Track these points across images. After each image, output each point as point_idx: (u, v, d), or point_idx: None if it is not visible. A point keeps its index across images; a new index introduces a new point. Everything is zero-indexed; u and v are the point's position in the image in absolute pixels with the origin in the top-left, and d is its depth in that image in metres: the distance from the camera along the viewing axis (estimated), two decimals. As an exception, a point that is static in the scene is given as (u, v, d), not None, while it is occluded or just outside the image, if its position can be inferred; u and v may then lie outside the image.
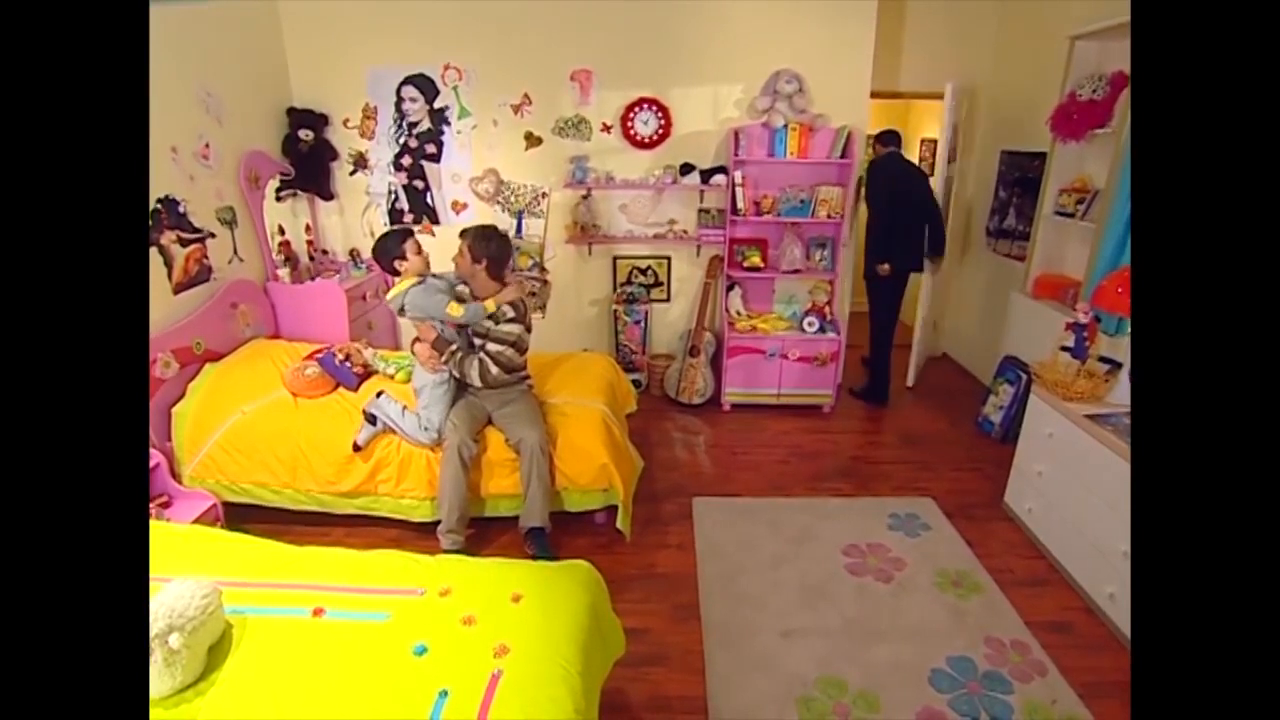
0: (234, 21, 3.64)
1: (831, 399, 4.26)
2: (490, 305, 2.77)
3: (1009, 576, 2.74)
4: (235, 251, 3.63)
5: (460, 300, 2.83)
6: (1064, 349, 2.84)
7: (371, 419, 2.85)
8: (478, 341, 2.85)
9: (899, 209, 4.01)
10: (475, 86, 4.16)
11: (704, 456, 3.80)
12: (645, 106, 4.17)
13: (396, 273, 2.82)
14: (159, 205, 3.07)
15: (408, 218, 4.42)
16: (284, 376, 3.14)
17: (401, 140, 4.28)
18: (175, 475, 2.92)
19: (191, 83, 3.30)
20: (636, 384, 4.35)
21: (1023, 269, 3.97)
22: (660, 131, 4.22)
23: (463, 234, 2.79)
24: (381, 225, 4.37)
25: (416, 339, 2.87)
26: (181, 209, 3.20)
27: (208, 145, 3.38)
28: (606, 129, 4.24)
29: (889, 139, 4.10)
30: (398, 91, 4.17)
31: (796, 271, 4.27)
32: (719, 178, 4.17)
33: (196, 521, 2.67)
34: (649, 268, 4.56)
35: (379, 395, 2.92)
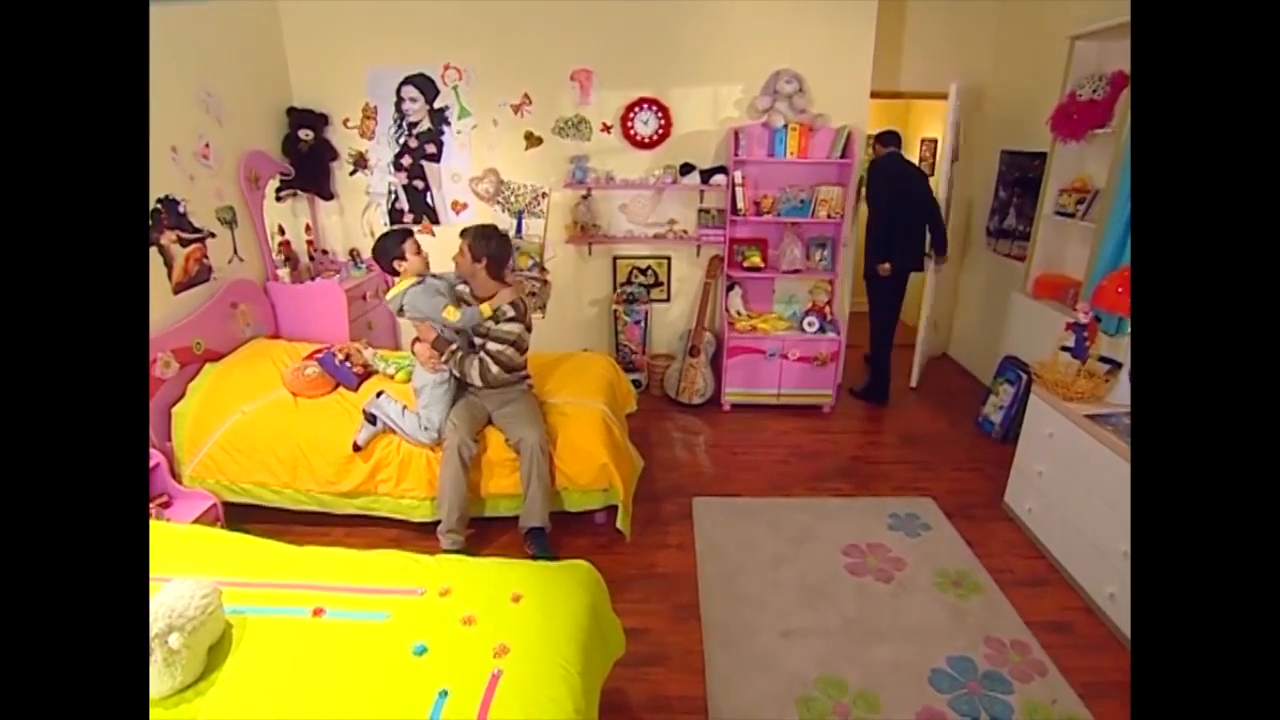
0: (234, 21, 3.64)
1: (831, 399, 4.26)
2: (486, 310, 2.77)
3: (1009, 576, 2.74)
4: (235, 251, 3.63)
5: (461, 301, 2.83)
6: (1064, 349, 2.84)
7: (371, 419, 2.85)
8: (478, 341, 2.85)
9: (899, 209, 4.02)
10: (475, 86, 4.16)
11: (704, 456, 3.80)
12: (645, 106, 4.17)
13: (396, 273, 2.82)
14: (159, 205, 3.07)
15: (408, 218, 4.42)
16: (284, 376, 3.14)
17: (401, 140, 4.28)
18: (175, 475, 2.92)
19: (191, 83, 3.30)
20: (636, 384, 4.35)
21: (1023, 269, 3.97)
22: (660, 131, 4.22)
23: (463, 233, 2.79)
24: (381, 225, 4.37)
25: (416, 339, 2.87)
26: (181, 209, 3.20)
27: (208, 145, 3.38)
28: (606, 129, 4.24)
29: (889, 139, 4.10)
30: (398, 91, 4.17)
31: (796, 271, 4.27)
32: (719, 178, 4.17)
33: (196, 521, 2.67)
34: (649, 268, 4.56)
35: (379, 395, 2.92)
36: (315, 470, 2.86)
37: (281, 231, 4.02)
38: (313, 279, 4.03)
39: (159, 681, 1.48)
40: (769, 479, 3.52)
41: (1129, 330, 2.75)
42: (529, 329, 2.88)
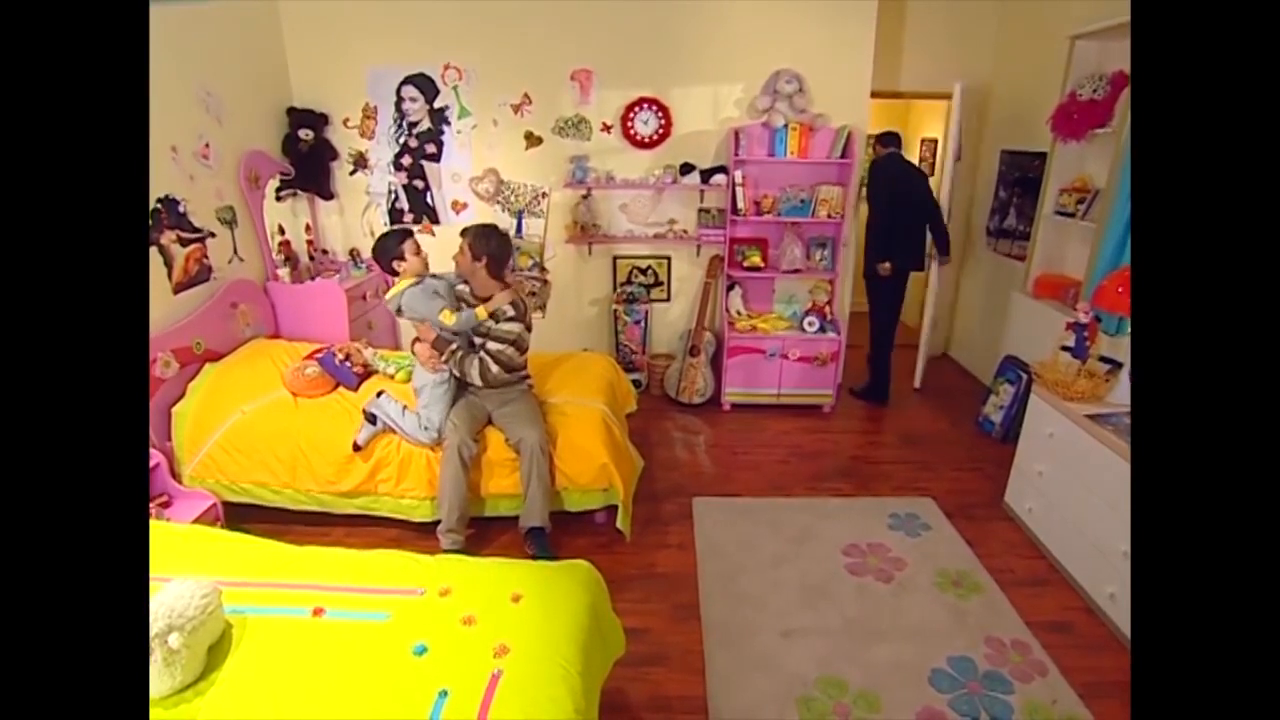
0: (234, 21, 3.64)
1: (832, 399, 4.26)
2: (482, 313, 2.77)
3: (1009, 576, 2.74)
4: (235, 251, 3.63)
5: (460, 301, 2.83)
6: (1064, 349, 2.84)
7: (371, 419, 2.85)
8: (478, 340, 2.85)
9: (899, 209, 4.02)
10: (475, 86, 4.16)
11: (704, 456, 3.80)
12: (645, 106, 4.17)
13: (395, 273, 2.82)
14: (159, 205, 3.07)
15: (408, 217, 4.42)
16: (284, 376, 3.14)
17: (401, 140, 4.27)
18: (175, 475, 2.92)
19: (191, 83, 3.30)
20: (636, 384, 4.35)
21: (1023, 269, 3.98)
22: (660, 131, 4.22)
23: (463, 232, 2.79)
24: (381, 225, 4.37)
25: (416, 339, 2.87)
26: (181, 209, 3.20)
27: (208, 145, 3.38)
28: (606, 129, 4.24)
29: (889, 140, 4.11)
30: (398, 91, 4.17)
31: (796, 271, 4.27)
32: (719, 177, 4.17)
33: (196, 521, 2.67)
34: (649, 267, 4.56)
35: (379, 395, 2.92)
36: (315, 470, 2.86)
37: (281, 231, 4.02)
38: (313, 279, 4.03)
39: (159, 681, 1.48)
40: (769, 479, 3.52)
41: (1129, 330, 2.75)
42: (529, 329, 2.88)
